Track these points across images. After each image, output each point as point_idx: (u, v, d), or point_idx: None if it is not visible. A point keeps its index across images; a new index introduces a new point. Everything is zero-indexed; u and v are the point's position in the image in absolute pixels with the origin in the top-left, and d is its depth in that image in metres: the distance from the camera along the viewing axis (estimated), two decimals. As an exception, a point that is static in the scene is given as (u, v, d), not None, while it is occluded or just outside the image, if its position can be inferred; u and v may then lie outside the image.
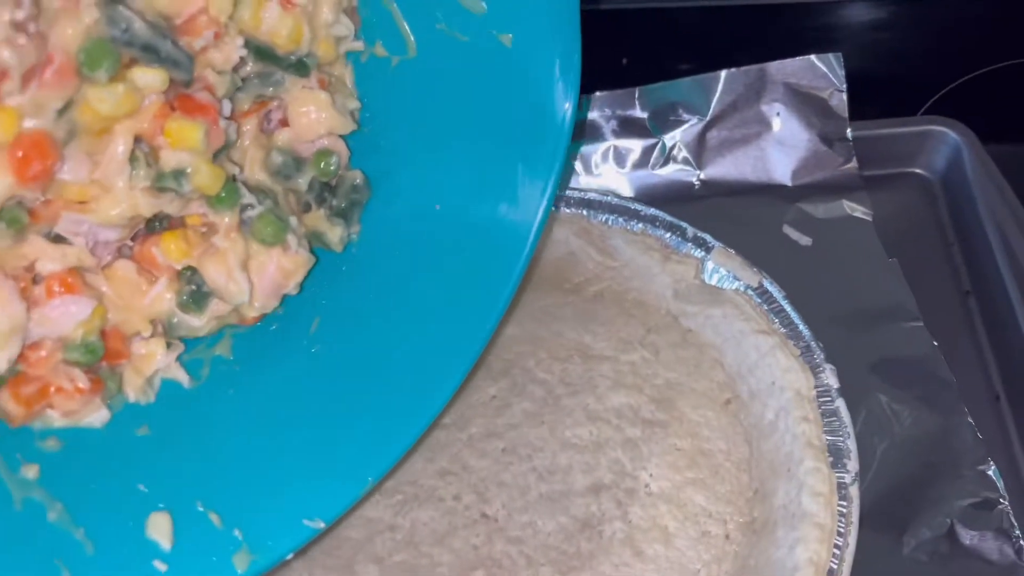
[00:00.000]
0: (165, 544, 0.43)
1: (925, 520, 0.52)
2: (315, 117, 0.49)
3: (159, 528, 0.44)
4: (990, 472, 0.53)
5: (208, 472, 0.46)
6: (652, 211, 0.62)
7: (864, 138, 0.68)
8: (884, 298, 0.61)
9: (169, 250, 0.46)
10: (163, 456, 0.46)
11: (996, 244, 0.62)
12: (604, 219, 0.63)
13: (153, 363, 0.47)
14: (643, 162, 0.71)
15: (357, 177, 0.52)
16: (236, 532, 0.44)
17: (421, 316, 0.50)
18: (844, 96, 0.67)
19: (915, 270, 0.63)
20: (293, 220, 0.49)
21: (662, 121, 0.70)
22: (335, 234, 0.51)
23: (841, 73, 0.66)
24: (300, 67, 0.48)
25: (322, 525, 0.46)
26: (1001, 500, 0.52)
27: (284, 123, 0.50)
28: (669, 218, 0.62)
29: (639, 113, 0.70)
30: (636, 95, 0.70)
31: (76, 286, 0.44)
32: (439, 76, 0.50)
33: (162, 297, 0.47)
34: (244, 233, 0.47)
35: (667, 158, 0.70)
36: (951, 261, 0.66)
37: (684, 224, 0.61)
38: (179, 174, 0.44)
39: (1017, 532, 0.51)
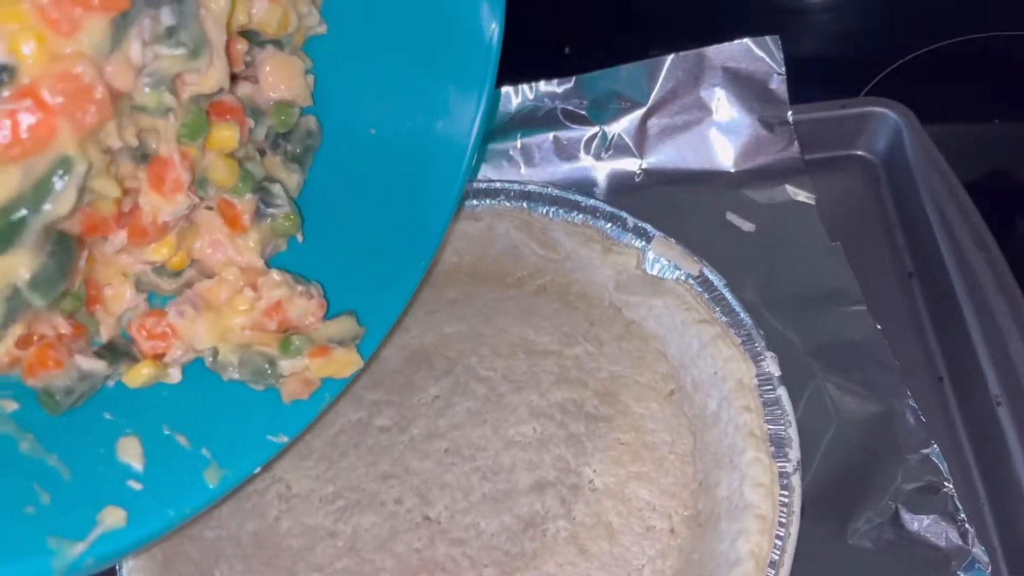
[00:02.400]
0: (137, 465, 0.45)
1: (869, 506, 0.52)
2: (284, 81, 0.51)
3: (129, 451, 0.45)
4: (933, 456, 0.53)
5: (169, 399, 0.48)
6: (592, 202, 0.62)
7: (805, 121, 0.68)
8: (827, 282, 0.62)
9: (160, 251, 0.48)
10: (123, 386, 0.47)
11: (937, 226, 0.62)
12: (545, 211, 0.63)
13: (123, 304, 0.49)
14: (584, 152, 0.70)
15: (311, 123, 0.53)
16: (204, 451, 0.46)
17: (377, 235, 0.53)
18: (783, 79, 0.66)
19: (858, 253, 0.63)
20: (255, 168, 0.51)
21: (602, 110, 0.70)
22: (292, 180, 0.53)
23: (780, 56, 0.66)
24: (276, 42, 0.50)
25: (285, 439, 0.48)
26: (945, 484, 0.52)
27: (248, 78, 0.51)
28: (609, 208, 0.61)
29: (579, 102, 0.70)
30: (574, 84, 0.69)
31: None
32: (369, 4, 0.52)
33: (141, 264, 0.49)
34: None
35: (608, 147, 0.70)
36: (894, 243, 0.66)
37: (624, 214, 0.61)
38: (203, 181, 0.47)
39: (962, 516, 0.51)
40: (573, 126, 0.70)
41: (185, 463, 0.46)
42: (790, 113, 0.67)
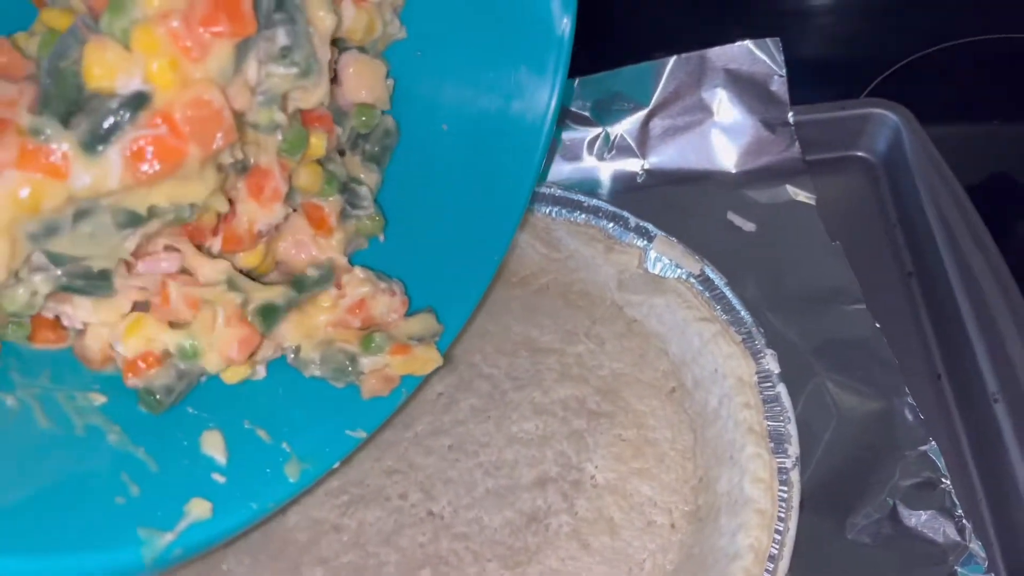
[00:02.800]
0: (220, 458, 0.45)
1: (868, 502, 0.53)
2: (366, 84, 0.52)
3: (213, 444, 0.46)
4: (931, 452, 0.54)
5: (250, 394, 0.48)
6: (595, 202, 0.63)
7: (806, 122, 0.69)
8: (827, 281, 0.62)
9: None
10: (204, 383, 0.48)
11: (936, 225, 0.63)
12: (548, 211, 0.63)
13: None
14: (587, 152, 0.71)
15: (389, 122, 0.54)
16: (284, 445, 0.47)
17: (451, 231, 0.54)
18: (784, 81, 0.67)
19: (858, 253, 0.63)
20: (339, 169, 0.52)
21: (605, 111, 0.70)
22: (371, 179, 0.54)
23: (780, 58, 0.67)
24: (360, 47, 0.52)
25: (363, 435, 0.49)
26: (943, 480, 0.53)
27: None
28: (611, 208, 0.62)
29: (582, 103, 0.70)
30: (577, 85, 0.70)
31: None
32: (444, 6, 0.53)
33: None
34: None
35: (611, 148, 0.70)
36: (893, 243, 0.66)
37: (626, 214, 0.61)
38: (291, 189, 0.47)
39: (959, 512, 0.51)
40: (576, 127, 0.71)
41: (266, 457, 0.47)
42: (791, 114, 0.68)
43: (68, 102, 0.37)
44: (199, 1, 0.38)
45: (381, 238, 0.54)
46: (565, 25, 0.51)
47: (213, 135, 0.39)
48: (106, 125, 0.37)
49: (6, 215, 0.37)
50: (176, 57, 0.38)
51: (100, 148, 0.38)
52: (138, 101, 0.38)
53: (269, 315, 0.46)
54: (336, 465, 0.49)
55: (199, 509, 0.43)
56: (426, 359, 0.50)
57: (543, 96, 0.53)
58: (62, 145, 0.37)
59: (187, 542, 0.43)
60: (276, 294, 0.47)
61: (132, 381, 0.45)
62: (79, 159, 0.37)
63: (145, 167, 0.38)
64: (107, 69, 0.37)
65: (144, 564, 0.41)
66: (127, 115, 0.38)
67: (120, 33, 0.37)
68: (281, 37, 0.42)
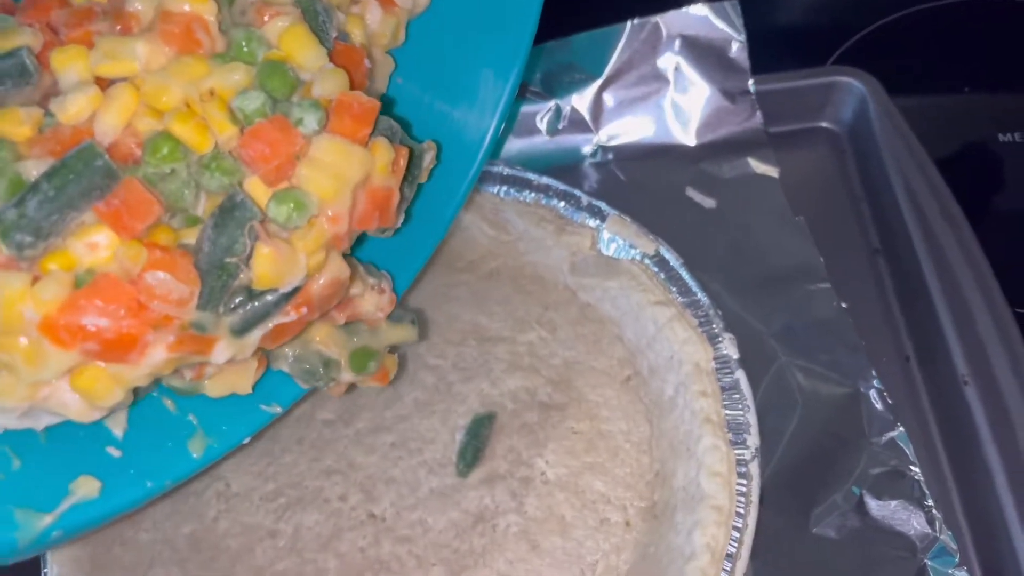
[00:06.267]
0: (117, 430, 0.44)
1: (833, 493, 0.52)
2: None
3: (111, 414, 0.44)
4: (899, 439, 0.52)
5: None
6: (545, 180, 0.61)
7: (768, 92, 0.67)
8: (790, 259, 0.61)
9: None
10: None
11: (904, 200, 0.62)
12: (496, 190, 0.61)
13: None
14: (537, 127, 0.69)
15: None
16: (191, 417, 0.46)
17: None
18: (744, 46, 0.65)
19: (822, 229, 0.62)
20: None
21: (555, 83, 0.68)
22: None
23: (739, 22, 0.65)
24: None
25: (279, 410, 0.47)
26: (911, 467, 0.52)
27: None
28: (562, 186, 0.60)
29: (530, 75, 0.68)
30: (526, 55, 0.67)
31: None
32: None
33: None
34: None
35: (562, 122, 0.68)
36: (860, 218, 0.65)
37: (578, 192, 0.60)
38: None
39: (929, 501, 0.50)
40: (525, 100, 0.68)
41: (169, 430, 0.45)
42: (751, 82, 0.66)
43: (228, 292, 0.40)
44: (360, 202, 0.43)
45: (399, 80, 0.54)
46: None
47: (336, 300, 0.44)
48: (260, 316, 0.41)
49: (137, 377, 0.39)
50: (329, 249, 0.42)
51: (248, 332, 0.41)
52: (293, 292, 0.42)
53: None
54: (246, 441, 0.47)
55: (86, 488, 0.42)
56: (391, 370, 0.51)
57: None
58: (215, 332, 0.40)
59: (68, 523, 0.41)
60: None
61: None
62: (226, 341, 0.41)
63: (278, 341, 0.43)
64: (278, 275, 0.41)
65: (17, 548, 0.40)
66: (281, 305, 0.42)
67: (287, 224, 0.40)
68: None
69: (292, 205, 0.40)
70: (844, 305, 0.58)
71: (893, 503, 0.51)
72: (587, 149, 0.68)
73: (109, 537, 0.52)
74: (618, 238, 0.58)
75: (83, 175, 0.37)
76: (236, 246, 0.39)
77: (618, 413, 0.54)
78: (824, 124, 0.70)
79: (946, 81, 0.76)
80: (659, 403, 0.53)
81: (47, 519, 0.41)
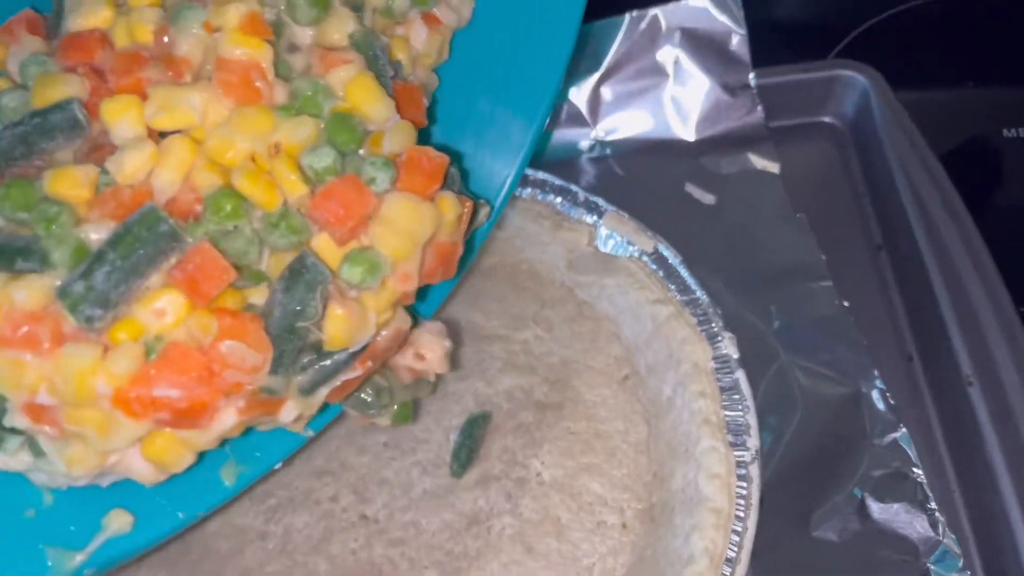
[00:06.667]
0: None
1: (834, 495, 0.51)
2: None
3: None
4: (902, 440, 0.52)
5: None
6: (541, 175, 0.60)
7: (769, 86, 0.66)
8: (791, 257, 0.60)
9: None
10: None
11: (907, 196, 0.61)
12: (491, 185, 0.60)
13: None
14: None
15: None
16: (223, 445, 0.44)
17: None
18: (745, 39, 0.65)
19: (824, 225, 0.61)
20: None
21: (553, 76, 0.67)
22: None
23: (740, 14, 0.64)
24: None
25: (311, 433, 0.46)
26: (914, 470, 0.51)
27: None
28: (559, 182, 0.59)
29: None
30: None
31: None
32: None
33: None
34: None
35: (559, 116, 0.68)
36: (862, 215, 0.65)
37: (574, 188, 0.59)
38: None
39: (932, 504, 0.50)
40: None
41: (201, 458, 0.43)
42: (752, 76, 0.65)
43: (297, 353, 0.40)
44: (427, 258, 0.43)
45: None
46: None
47: (396, 350, 0.44)
48: (329, 374, 0.41)
49: (207, 441, 0.39)
50: (396, 306, 0.42)
51: (316, 391, 0.42)
52: (361, 350, 0.42)
53: None
54: (278, 466, 0.46)
55: (119, 522, 0.41)
56: None
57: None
58: (285, 394, 0.41)
59: (100, 560, 0.41)
60: None
61: None
62: (294, 401, 0.41)
63: (340, 395, 0.43)
64: (350, 336, 0.40)
65: None
66: (350, 363, 0.42)
67: (360, 285, 0.40)
68: None
69: (366, 267, 0.39)
70: (846, 303, 0.58)
71: (895, 506, 0.50)
72: (584, 144, 0.68)
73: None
74: (616, 234, 0.57)
75: (149, 242, 0.36)
76: (308, 310, 0.38)
77: (615, 413, 0.53)
78: (826, 119, 0.69)
79: (949, 75, 0.75)
80: (657, 403, 0.52)
81: (79, 557, 0.40)
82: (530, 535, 0.49)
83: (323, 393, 0.42)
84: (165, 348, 0.37)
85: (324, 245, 0.40)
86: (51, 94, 0.40)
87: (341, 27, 0.43)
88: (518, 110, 0.50)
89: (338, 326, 0.39)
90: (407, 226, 0.41)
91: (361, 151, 0.41)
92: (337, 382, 0.42)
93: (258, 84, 0.40)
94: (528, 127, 0.50)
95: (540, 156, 0.67)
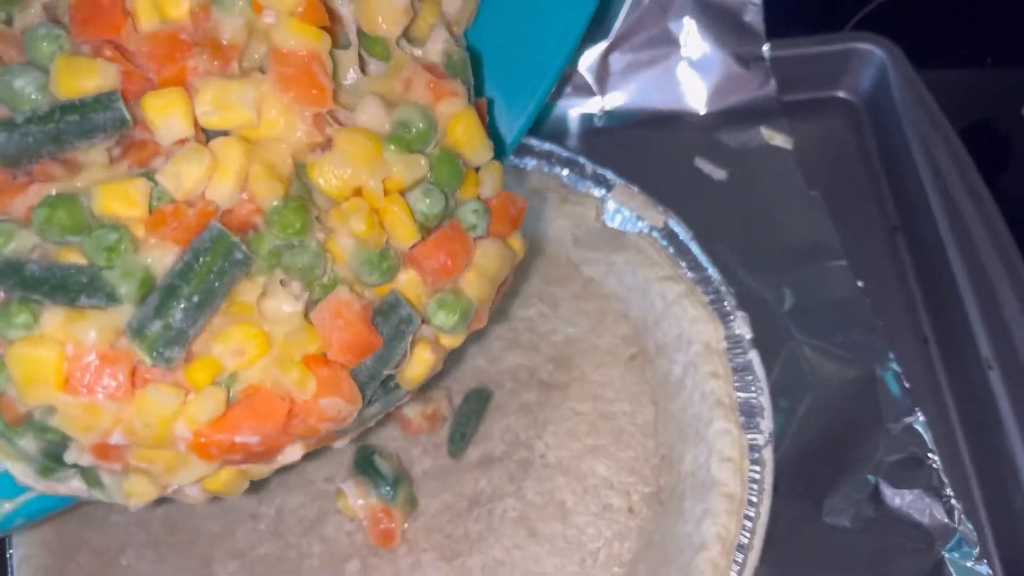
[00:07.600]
0: None
1: (848, 481, 0.50)
2: None
3: None
4: (918, 425, 0.51)
5: None
6: (547, 146, 0.59)
7: (783, 58, 0.65)
8: (805, 235, 0.59)
9: None
10: None
11: (926, 175, 0.60)
12: (495, 157, 0.59)
13: None
14: (539, 91, 0.66)
15: None
16: None
17: None
18: (759, 9, 0.63)
19: (839, 204, 0.60)
20: None
21: (559, 44, 0.65)
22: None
23: (755, -17, 0.63)
24: None
25: None
26: (930, 455, 0.50)
27: None
28: (565, 153, 0.58)
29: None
30: (528, 15, 0.65)
31: None
32: None
33: None
34: None
35: (566, 86, 0.66)
36: (878, 194, 0.63)
37: (582, 160, 0.58)
38: None
39: (948, 491, 0.49)
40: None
41: None
42: (766, 47, 0.64)
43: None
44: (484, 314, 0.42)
45: None
46: None
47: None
48: (390, 406, 0.42)
49: (267, 472, 0.39)
50: None
51: (372, 419, 0.42)
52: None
53: None
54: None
55: None
56: None
57: None
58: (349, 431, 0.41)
59: (31, 511, 0.41)
60: None
61: None
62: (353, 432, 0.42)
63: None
64: (427, 377, 0.41)
65: None
66: (410, 394, 0.42)
67: (450, 331, 0.40)
68: None
69: (460, 315, 0.39)
70: (861, 284, 0.56)
71: (910, 492, 0.49)
72: (592, 115, 0.66)
73: (79, 519, 0.50)
74: (624, 209, 0.56)
75: (224, 272, 0.34)
76: (397, 357, 0.38)
77: (622, 394, 0.52)
78: (841, 93, 0.68)
79: (967, 51, 0.74)
80: (666, 384, 0.51)
81: (7, 506, 0.40)
82: (534, 518, 0.48)
83: (375, 419, 0.42)
84: (248, 393, 0.35)
85: (410, 285, 0.39)
86: (81, 84, 0.35)
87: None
88: (541, 49, 0.49)
89: (422, 369, 0.40)
90: (492, 271, 0.40)
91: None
92: (390, 409, 0.42)
93: (323, 80, 0.36)
94: (554, 56, 0.49)
95: (543, 124, 0.65)
